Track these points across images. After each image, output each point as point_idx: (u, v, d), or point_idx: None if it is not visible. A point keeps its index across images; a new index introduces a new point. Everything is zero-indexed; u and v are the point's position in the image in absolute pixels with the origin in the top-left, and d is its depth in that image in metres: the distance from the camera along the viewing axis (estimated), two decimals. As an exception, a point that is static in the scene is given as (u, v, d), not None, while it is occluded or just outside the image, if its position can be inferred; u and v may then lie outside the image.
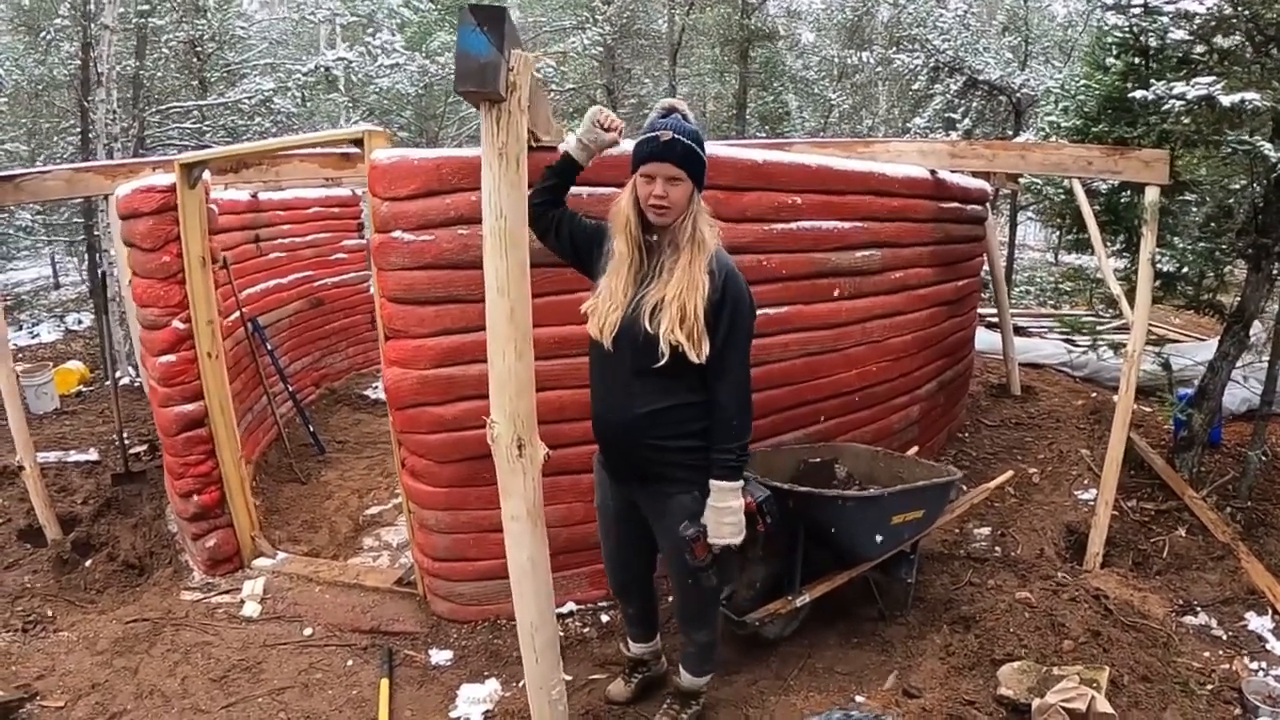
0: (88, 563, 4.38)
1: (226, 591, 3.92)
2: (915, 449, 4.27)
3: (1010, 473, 4.36)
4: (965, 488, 4.12)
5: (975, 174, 5.37)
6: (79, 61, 7.72)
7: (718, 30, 15.67)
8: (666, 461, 2.34)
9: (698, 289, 2.18)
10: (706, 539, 2.29)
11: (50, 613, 3.91)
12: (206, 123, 9.77)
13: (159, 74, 10.24)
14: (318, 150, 4.50)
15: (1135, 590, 3.71)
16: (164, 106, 9.22)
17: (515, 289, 2.02)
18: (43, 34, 8.34)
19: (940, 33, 12.22)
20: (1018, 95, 11.81)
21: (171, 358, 3.74)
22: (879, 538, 3.18)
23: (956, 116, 11.93)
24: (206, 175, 3.81)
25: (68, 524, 4.72)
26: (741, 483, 2.31)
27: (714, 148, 3.52)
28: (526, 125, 1.89)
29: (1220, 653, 3.33)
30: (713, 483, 2.28)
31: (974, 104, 12.31)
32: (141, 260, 3.70)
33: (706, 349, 2.18)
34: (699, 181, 2.26)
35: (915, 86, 12.92)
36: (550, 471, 3.26)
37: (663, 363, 2.18)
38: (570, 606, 3.49)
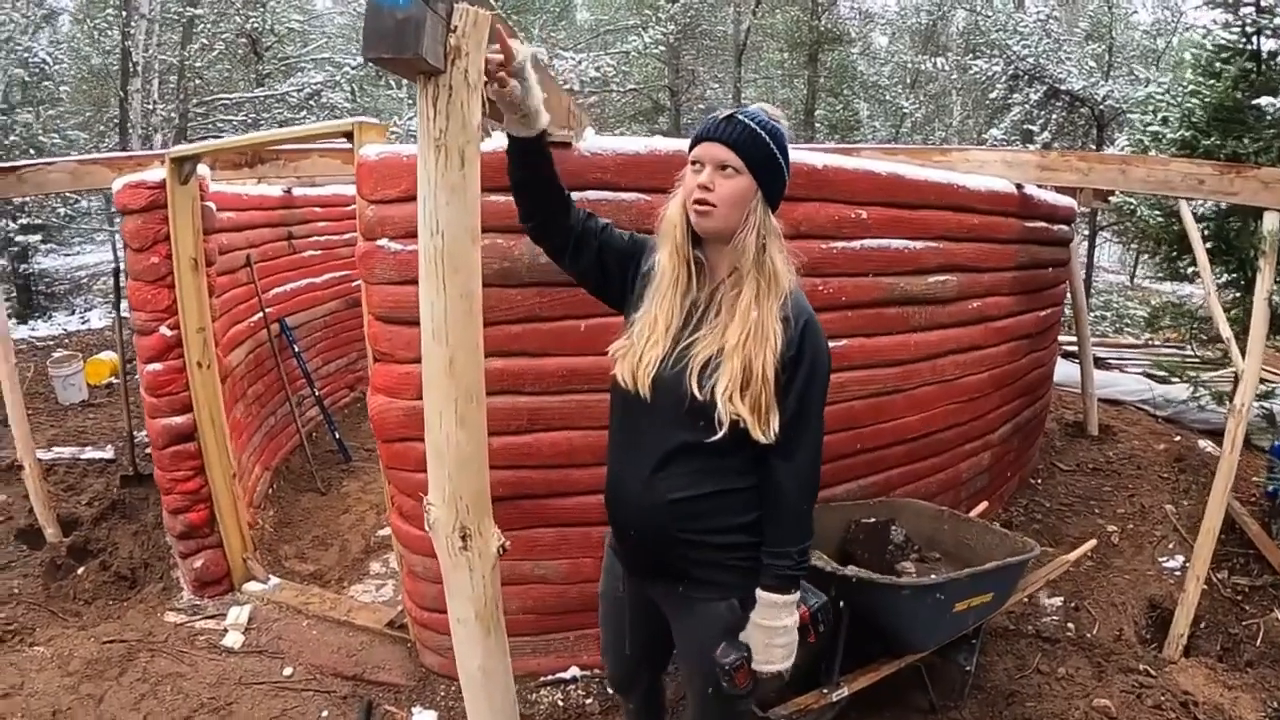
0: (80, 570, 4.17)
1: (212, 616, 3.67)
2: (985, 504, 3.73)
3: (1092, 541, 3.80)
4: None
5: (1059, 190, 4.80)
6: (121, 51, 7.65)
7: (786, 32, 15.09)
8: (699, 560, 1.78)
9: (767, 340, 1.63)
10: (750, 665, 1.74)
11: (32, 623, 3.71)
12: (259, 115, 9.67)
13: (213, 65, 10.18)
14: (336, 145, 4.18)
15: (1225, 688, 3.19)
16: (208, 98, 9.11)
17: (458, 331, 1.50)
18: (93, 23, 8.32)
19: (1020, 38, 11.49)
20: (1100, 107, 11.02)
21: (158, 366, 3.45)
22: (937, 627, 2.67)
23: (1035, 128, 11.16)
24: (204, 170, 3.49)
25: (69, 526, 4.55)
26: (799, 594, 1.76)
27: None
28: (480, 107, 1.41)
29: (1322, 774, 2.79)
30: (763, 594, 1.73)
31: (1054, 115, 11.53)
32: (132, 261, 3.43)
33: (776, 424, 1.64)
34: (768, 187, 1.69)
35: (993, 95, 12.16)
36: (558, 523, 2.87)
37: (716, 438, 1.64)
38: (573, 672, 3.07)
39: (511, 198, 1.81)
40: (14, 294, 11.10)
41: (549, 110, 1.73)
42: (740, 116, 1.65)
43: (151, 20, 6.49)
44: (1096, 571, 4.23)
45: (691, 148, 1.71)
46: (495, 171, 1.71)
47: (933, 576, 2.70)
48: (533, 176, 1.76)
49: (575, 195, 2.50)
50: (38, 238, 10.81)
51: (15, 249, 10.66)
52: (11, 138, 9.62)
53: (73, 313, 11.79)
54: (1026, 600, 3.82)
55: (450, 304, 1.47)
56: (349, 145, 3.60)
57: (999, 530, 3.15)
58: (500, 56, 1.52)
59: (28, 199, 9.81)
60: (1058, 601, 3.91)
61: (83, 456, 5.48)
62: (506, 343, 2.64)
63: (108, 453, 5.58)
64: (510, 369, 2.67)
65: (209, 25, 9.18)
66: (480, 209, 1.50)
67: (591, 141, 2.60)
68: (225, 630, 3.52)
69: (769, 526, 1.74)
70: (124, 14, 6.60)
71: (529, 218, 1.82)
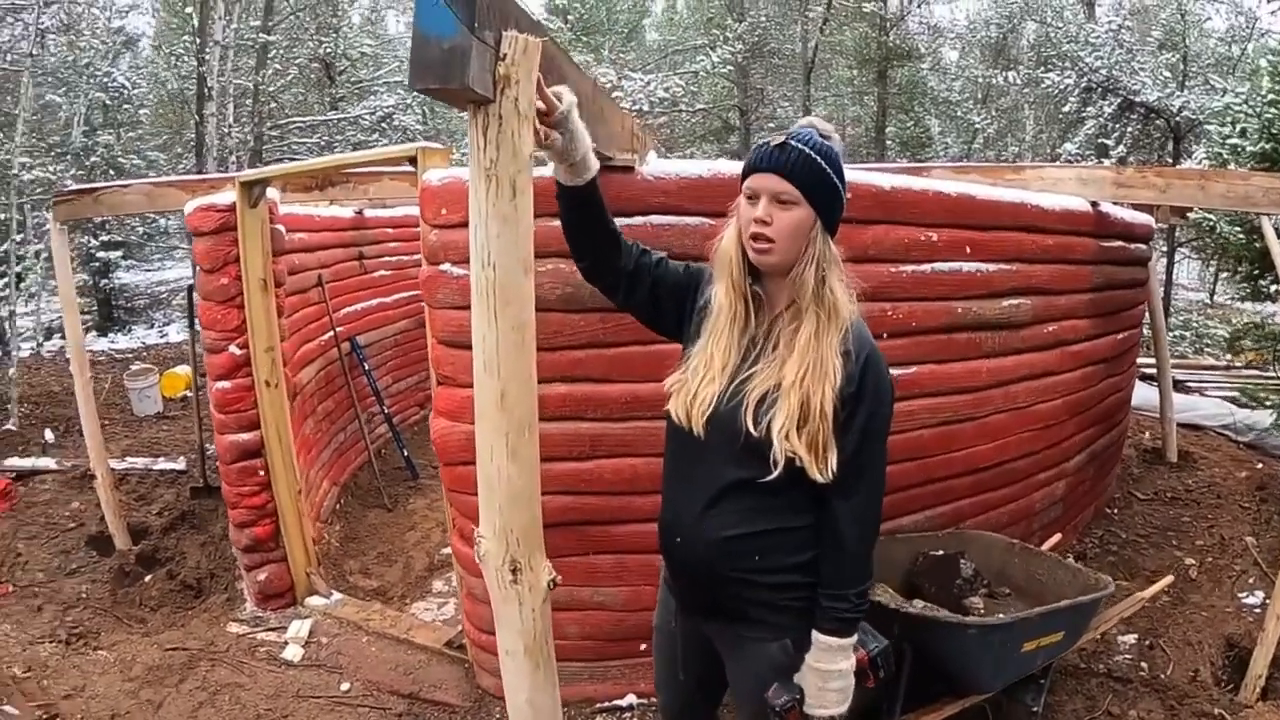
0: (148, 578, 4.32)
1: (273, 629, 3.74)
2: (1058, 536, 3.58)
3: (1169, 578, 3.60)
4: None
5: (1136, 207, 4.62)
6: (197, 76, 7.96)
7: (855, 49, 14.92)
8: (752, 600, 1.72)
9: (827, 376, 1.57)
10: (802, 708, 1.67)
11: (97, 628, 3.85)
12: (333, 138, 9.94)
13: (287, 89, 10.50)
14: (404, 169, 4.25)
15: (1302, 735, 2.97)
16: (282, 121, 9.41)
17: (509, 364, 1.45)
18: (170, 50, 8.67)
19: (1092, 49, 11.16)
20: (1176, 119, 10.62)
21: (227, 384, 3.54)
22: (1004, 667, 2.55)
23: (1110, 142, 10.78)
24: (273, 194, 3.58)
25: (138, 534, 4.72)
26: (856, 637, 1.69)
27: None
28: (531, 137, 1.37)
29: None
30: (819, 637, 1.67)
31: (1129, 128, 11.13)
32: (203, 281, 3.53)
33: (834, 462, 1.57)
34: (826, 214, 1.62)
35: (1065, 109, 11.81)
36: (619, 549, 2.84)
37: (771, 478, 1.58)
38: (630, 700, 3.03)
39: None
40: (94, 308, 11.57)
41: (611, 137, 1.69)
42: (794, 143, 1.58)
43: (226, 46, 6.72)
44: (1172, 608, 4.01)
45: (744, 177, 1.64)
46: (554, 197, 1.70)
47: (1000, 616, 2.58)
48: (581, 217, 1.72)
49: (638, 219, 2.53)
50: (118, 254, 11.30)
51: (96, 264, 11.14)
52: (93, 158, 10.10)
53: (151, 326, 12.27)
54: (1099, 638, 3.65)
55: (502, 336, 1.43)
56: (413, 170, 3.67)
57: (1072, 566, 3.01)
58: (542, 106, 1.45)
59: (108, 217, 10.24)
60: (1131, 639, 3.71)
61: (155, 467, 5.65)
62: (569, 368, 2.64)
63: (179, 464, 5.74)
64: (573, 394, 2.66)
65: (282, 51, 9.50)
66: (536, 237, 1.46)
67: (654, 165, 2.57)
68: (285, 643, 3.57)
69: (826, 567, 1.68)
70: (199, 41, 6.87)
71: (580, 258, 1.79)
